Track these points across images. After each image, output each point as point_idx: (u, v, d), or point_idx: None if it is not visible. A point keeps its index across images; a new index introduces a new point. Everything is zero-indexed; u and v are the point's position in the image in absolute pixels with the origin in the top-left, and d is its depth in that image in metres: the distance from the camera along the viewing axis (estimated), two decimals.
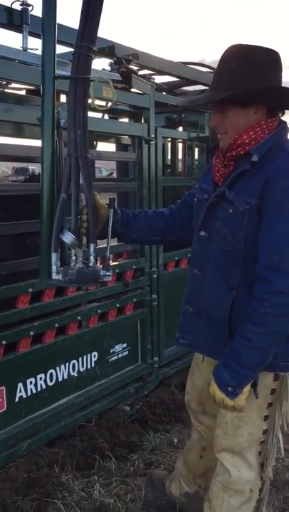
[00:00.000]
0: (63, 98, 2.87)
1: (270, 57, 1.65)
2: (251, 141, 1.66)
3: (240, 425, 1.76)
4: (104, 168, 14.56)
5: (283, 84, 1.71)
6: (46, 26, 1.80)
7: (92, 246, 1.86)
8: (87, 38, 1.77)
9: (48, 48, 1.80)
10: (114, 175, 9.84)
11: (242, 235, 1.64)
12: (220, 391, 1.63)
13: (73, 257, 1.84)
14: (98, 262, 1.95)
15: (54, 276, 1.86)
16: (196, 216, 1.89)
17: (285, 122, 1.74)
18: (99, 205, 1.91)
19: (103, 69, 3.18)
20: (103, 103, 2.76)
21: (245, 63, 1.63)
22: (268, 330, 1.57)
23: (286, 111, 1.77)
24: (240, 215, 1.63)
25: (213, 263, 1.74)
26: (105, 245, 1.94)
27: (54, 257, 1.85)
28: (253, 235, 1.62)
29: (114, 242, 2.82)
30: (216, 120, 1.72)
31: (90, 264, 1.85)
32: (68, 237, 1.81)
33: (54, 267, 1.86)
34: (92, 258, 1.85)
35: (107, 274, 1.86)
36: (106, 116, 3.32)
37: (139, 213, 2.09)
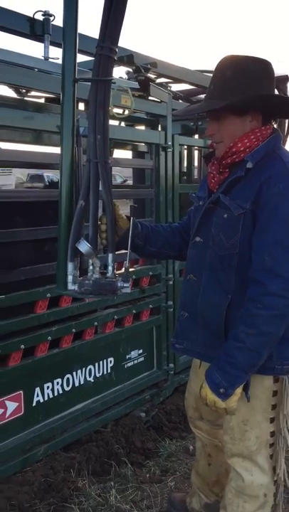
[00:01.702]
0: (81, 106, 2.91)
1: (262, 67, 1.68)
2: (246, 148, 1.68)
3: (246, 429, 1.77)
4: (119, 175, 14.63)
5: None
6: (67, 29, 1.76)
7: (110, 256, 1.79)
8: (108, 38, 1.71)
9: (69, 50, 1.77)
10: (128, 182, 9.87)
11: (237, 240, 1.66)
12: (212, 393, 1.64)
13: (90, 267, 1.78)
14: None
15: (70, 286, 1.79)
16: (192, 223, 1.91)
17: (277, 130, 1.77)
18: (118, 217, 1.87)
19: (120, 77, 3.21)
20: (120, 111, 2.79)
21: (239, 73, 1.66)
22: (260, 331, 1.58)
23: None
24: (235, 219, 1.65)
25: (209, 268, 1.75)
26: (123, 251, 1.91)
27: (70, 266, 1.78)
28: (248, 239, 1.64)
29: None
30: (212, 129, 1.74)
31: (108, 275, 1.79)
32: (84, 246, 1.74)
33: (70, 277, 1.79)
34: (110, 268, 1.79)
35: (125, 285, 1.77)
36: (122, 124, 3.35)
37: (156, 227, 2.07)
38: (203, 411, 2.04)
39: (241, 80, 1.65)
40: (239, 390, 1.65)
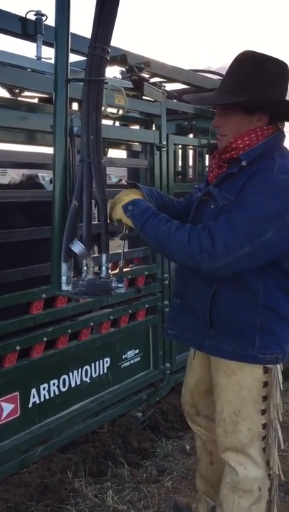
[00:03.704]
0: (75, 106, 2.91)
1: (280, 69, 1.69)
2: (245, 146, 1.71)
3: (238, 421, 1.79)
4: (114, 175, 14.59)
5: None
6: (59, 29, 1.76)
7: (104, 256, 1.80)
8: (101, 38, 1.72)
9: (61, 50, 1.77)
10: (123, 181, 9.83)
11: None
12: (122, 210, 1.75)
13: (84, 268, 1.78)
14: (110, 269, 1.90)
15: (64, 287, 1.80)
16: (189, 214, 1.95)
17: (280, 130, 1.78)
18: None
19: (114, 77, 3.20)
20: (114, 110, 2.79)
21: (257, 71, 1.67)
22: (168, 242, 1.64)
23: None
24: (219, 210, 1.69)
25: None
26: (117, 251, 1.91)
27: (64, 267, 1.78)
28: None
29: (126, 249, 2.82)
30: (219, 121, 1.77)
31: (102, 275, 1.79)
32: (77, 247, 1.75)
33: (64, 278, 1.79)
34: (104, 269, 1.80)
35: (119, 285, 1.78)
36: (116, 124, 3.34)
37: (171, 202, 2.05)
38: (200, 406, 2.06)
39: (257, 80, 1.66)
40: (127, 221, 1.74)
